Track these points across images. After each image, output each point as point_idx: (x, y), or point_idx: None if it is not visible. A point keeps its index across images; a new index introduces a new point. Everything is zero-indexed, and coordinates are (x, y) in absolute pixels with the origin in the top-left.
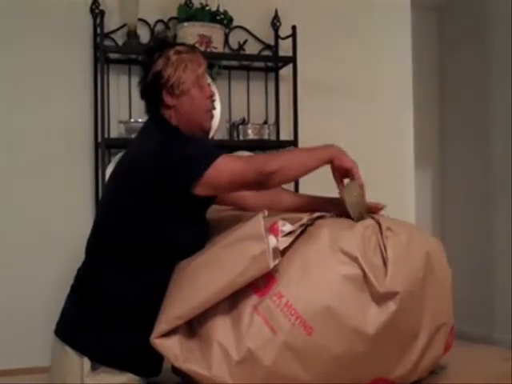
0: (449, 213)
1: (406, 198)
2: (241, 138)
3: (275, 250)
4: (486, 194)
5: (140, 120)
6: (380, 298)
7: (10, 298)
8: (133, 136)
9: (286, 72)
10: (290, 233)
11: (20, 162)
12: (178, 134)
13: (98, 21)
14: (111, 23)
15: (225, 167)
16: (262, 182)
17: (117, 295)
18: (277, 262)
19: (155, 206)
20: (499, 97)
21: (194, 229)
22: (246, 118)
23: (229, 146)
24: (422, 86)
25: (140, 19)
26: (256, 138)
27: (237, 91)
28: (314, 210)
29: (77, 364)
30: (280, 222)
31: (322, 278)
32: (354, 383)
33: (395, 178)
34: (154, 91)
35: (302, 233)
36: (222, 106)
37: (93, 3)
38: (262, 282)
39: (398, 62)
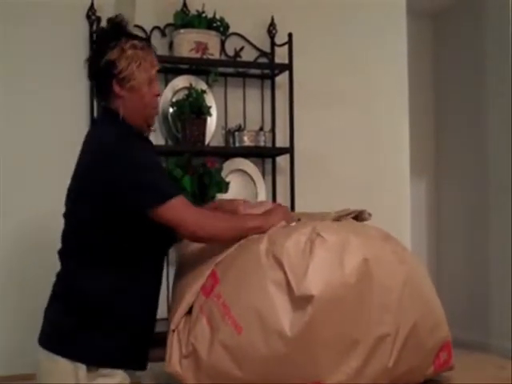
0: (444, 221)
1: (402, 206)
2: (237, 144)
3: None
4: (483, 204)
5: None
6: (297, 301)
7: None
8: None
9: (282, 79)
10: None
11: (17, 165)
12: (131, 138)
13: (94, 27)
14: None
15: (176, 210)
16: (196, 238)
17: (97, 297)
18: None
19: (109, 215)
20: (496, 105)
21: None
22: (242, 124)
23: (225, 153)
24: (417, 93)
25: (136, 26)
26: (252, 144)
27: (233, 98)
28: None
29: (70, 371)
30: None
31: (253, 281)
32: None
33: (391, 187)
34: (104, 79)
35: None
36: (218, 113)
37: (89, 9)
38: (209, 284)
39: (394, 69)
